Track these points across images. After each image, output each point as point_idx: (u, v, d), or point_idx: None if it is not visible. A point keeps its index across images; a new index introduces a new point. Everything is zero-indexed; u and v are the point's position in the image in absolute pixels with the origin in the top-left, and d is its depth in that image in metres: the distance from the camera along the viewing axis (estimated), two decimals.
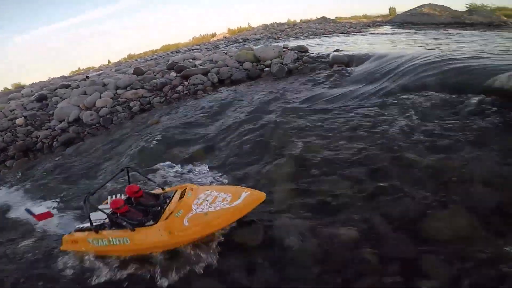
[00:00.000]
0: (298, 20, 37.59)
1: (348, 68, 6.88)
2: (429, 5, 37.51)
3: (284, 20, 36.34)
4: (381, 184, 2.73)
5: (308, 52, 9.58)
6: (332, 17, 40.37)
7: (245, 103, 5.71)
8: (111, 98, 8.09)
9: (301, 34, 21.87)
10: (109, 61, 32.34)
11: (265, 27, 31.16)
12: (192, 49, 22.06)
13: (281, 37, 22.34)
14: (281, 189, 2.99)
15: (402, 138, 3.39)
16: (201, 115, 5.66)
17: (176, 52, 22.49)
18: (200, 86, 7.82)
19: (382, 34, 15.96)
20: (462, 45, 8.51)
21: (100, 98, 8.10)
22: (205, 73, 8.26)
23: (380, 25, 33.07)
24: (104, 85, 9.13)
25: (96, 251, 2.78)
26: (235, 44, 19.81)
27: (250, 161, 3.57)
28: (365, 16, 44.81)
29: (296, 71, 7.83)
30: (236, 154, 3.79)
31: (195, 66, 9.35)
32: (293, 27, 28.73)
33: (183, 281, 2.27)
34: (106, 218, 2.77)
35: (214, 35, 31.33)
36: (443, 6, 36.33)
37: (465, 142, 3.12)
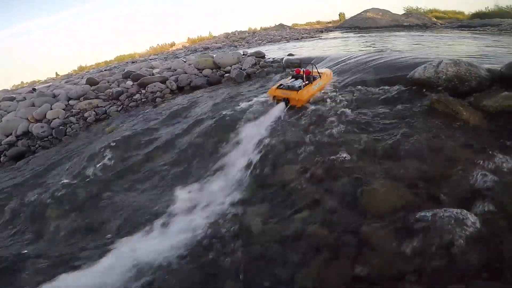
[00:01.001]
0: (258, 28, 38.76)
1: None
2: (372, 9, 41.28)
3: (245, 28, 37.29)
4: (325, 165, 3.05)
5: (265, 57, 10.10)
6: (289, 23, 42.53)
7: (203, 106, 5.86)
8: (63, 109, 7.71)
9: (260, 42, 22.62)
10: (57, 74, 29.97)
11: (227, 35, 31.60)
12: (150, 59, 21.57)
13: (242, 44, 22.88)
14: (237, 180, 3.23)
15: (342, 126, 3.80)
16: (159, 120, 5.69)
17: (132, 62, 21.82)
18: (159, 94, 7.76)
19: (331, 38, 17.36)
20: (395, 45, 9.81)
21: (51, 109, 7.68)
22: (163, 81, 8.24)
23: (331, 31, 35.36)
24: (55, 96, 8.67)
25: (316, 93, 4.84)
26: (195, 53, 19.85)
27: (206, 156, 3.80)
28: (318, 22, 47.82)
29: (254, 75, 8.22)
30: (193, 151, 3.98)
31: (153, 74, 9.29)
32: (253, 35, 29.56)
33: None
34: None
35: (173, 44, 30.90)
36: (384, 10, 40.35)
37: (394, 125, 3.61)
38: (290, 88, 4.63)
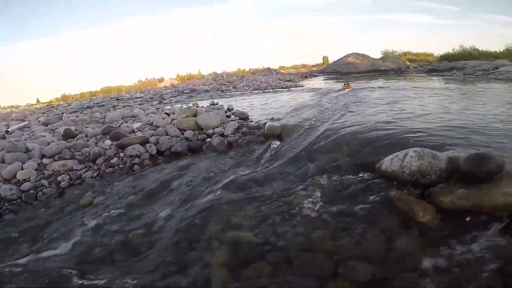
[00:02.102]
0: (247, 68, 41.06)
1: (278, 143, 7.73)
2: (353, 54, 45.44)
3: (234, 68, 39.43)
4: (288, 266, 3.30)
5: (248, 119, 10.52)
6: (276, 66, 45.71)
7: (182, 185, 5.91)
8: (35, 169, 7.45)
9: (247, 88, 23.68)
10: (38, 101, 29.60)
11: (215, 76, 32.84)
12: (135, 97, 21.78)
13: (229, 89, 23.85)
14: (217, 276, 3.30)
15: (306, 221, 4.05)
16: (136, 198, 5.66)
17: (117, 100, 22.00)
18: (137, 160, 7.68)
19: (310, 91, 19.23)
20: (369, 107, 10.78)
21: (22, 169, 7.40)
22: (143, 143, 8.24)
23: (315, 76, 37.89)
24: (28, 150, 8.41)
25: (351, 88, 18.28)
26: (182, 96, 20.34)
27: (186, 253, 3.74)
28: (303, 66, 51.68)
29: (236, 143, 8.34)
30: (172, 248, 3.89)
31: (133, 131, 9.33)
32: (241, 79, 30.99)
33: None
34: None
35: (161, 80, 31.58)
36: (363, 54, 44.71)
37: (353, 223, 3.88)
38: (347, 86, 18.00)
